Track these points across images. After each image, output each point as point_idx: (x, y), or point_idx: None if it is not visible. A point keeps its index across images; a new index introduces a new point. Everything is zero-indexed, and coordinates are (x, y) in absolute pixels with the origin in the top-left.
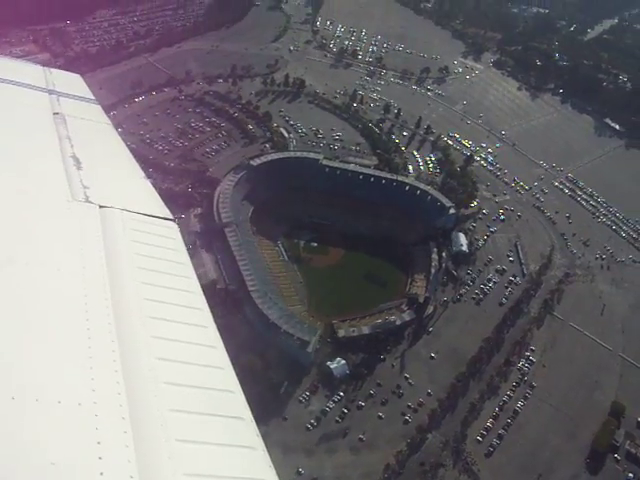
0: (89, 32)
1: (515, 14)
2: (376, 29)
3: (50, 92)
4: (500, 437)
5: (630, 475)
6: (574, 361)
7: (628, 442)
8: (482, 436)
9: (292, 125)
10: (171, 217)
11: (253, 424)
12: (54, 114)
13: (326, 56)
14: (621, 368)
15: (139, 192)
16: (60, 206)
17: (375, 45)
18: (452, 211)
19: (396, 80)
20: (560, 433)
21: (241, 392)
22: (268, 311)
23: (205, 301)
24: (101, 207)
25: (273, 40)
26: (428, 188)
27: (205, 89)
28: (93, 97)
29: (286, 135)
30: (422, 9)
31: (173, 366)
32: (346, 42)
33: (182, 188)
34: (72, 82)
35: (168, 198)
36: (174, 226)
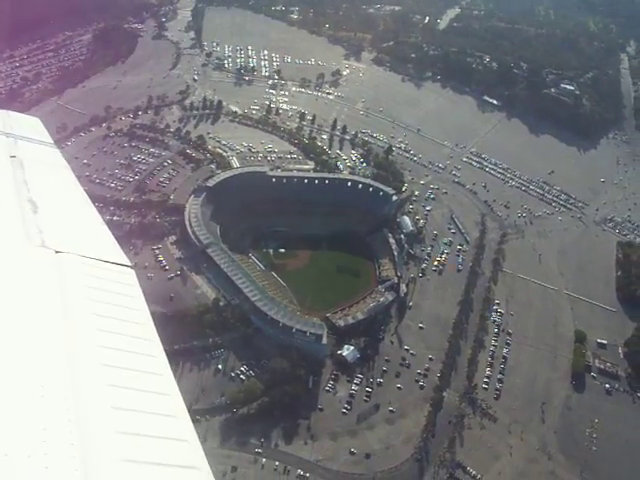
0: None
1: (373, 14)
2: (260, 44)
3: (7, 135)
4: (500, 381)
5: (607, 386)
6: (532, 305)
7: (597, 361)
8: (486, 384)
9: (225, 144)
10: (128, 263)
11: (209, 475)
12: (10, 157)
13: (228, 76)
14: (570, 303)
15: (96, 237)
16: (14, 251)
17: (265, 59)
18: (394, 198)
19: (298, 89)
20: (544, 366)
21: (196, 439)
22: (276, 315)
23: (162, 348)
24: (57, 252)
25: (171, 68)
26: (368, 181)
27: (130, 123)
28: (51, 140)
29: (224, 154)
30: (293, 20)
31: (127, 415)
32: (238, 60)
33: (150, 219)
34: (30, 125)
35: (139, 231)
36: (131, 272)
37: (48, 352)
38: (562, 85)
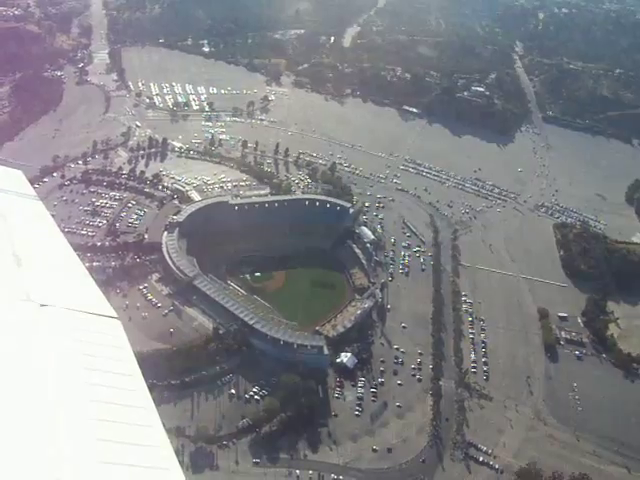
0: None
1: (280, 39)
2: (183, 79)
3: None
4: (486, 363)
5: (576, 353)
6: (495, 292)
7: (563, 332)
8: (474, 368)
9: (180, 180)
10: (114, 314)
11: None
12: None
13: (162, 114)
14: (527, 284)
15: (81, 289)
16: None
17: (193, 93)
18: (351, 211)
19: (232, 119)
20: (519, 344)
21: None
22: (276, 334)
23: (151, 399)
24: (42, 305)
25: (105, 111)
26: (324, 197)
27: (81, 169)
28: (34, 193)
29: (183, 189)
30: (208, 53)
31: (117, 470)
32: (167, 97)
33: (129, 260)
34: (13, 178)
35: (122, 273)
36: (117, 323)
37: (34, 408)
38: (473, 88)
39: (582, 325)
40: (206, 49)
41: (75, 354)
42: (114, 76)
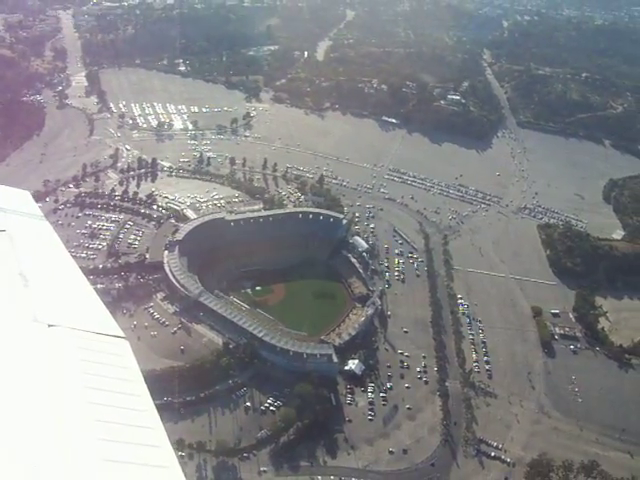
0: None
1: (255, 56)
2: (164, 99)
3: None
4: (487, 362)
5: (572, 347)
6: (489, 293)
7: (557, 328)
8: (477, 367)
9: (174, 199)
10: (121, 334)
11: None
12: (0, 231)
13: (147, 134)
14: (517, 284)
15: (88, 309)
16: (6, 326)
17: (175, 113)
18: (345, 221)
19: (217, 136)
20: (517, 342)
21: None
22: (285, 346)
23: (159, 420)
24: (49, 326)
25: (89, 134)
26: (317, 210)
27: (74, 193)
28: (41, 213)
29: (178, 208)
30: (185, 72)
31: None
32: (150, 117)
33: (133, 281)
34: (19, 199)
35: (127, 294)
36: (125, 343)
37: (42, 428)
38: (449, 96)
39: (574, 320)
40: (182, 68)
41: (83, 375)
42: (94, 98)
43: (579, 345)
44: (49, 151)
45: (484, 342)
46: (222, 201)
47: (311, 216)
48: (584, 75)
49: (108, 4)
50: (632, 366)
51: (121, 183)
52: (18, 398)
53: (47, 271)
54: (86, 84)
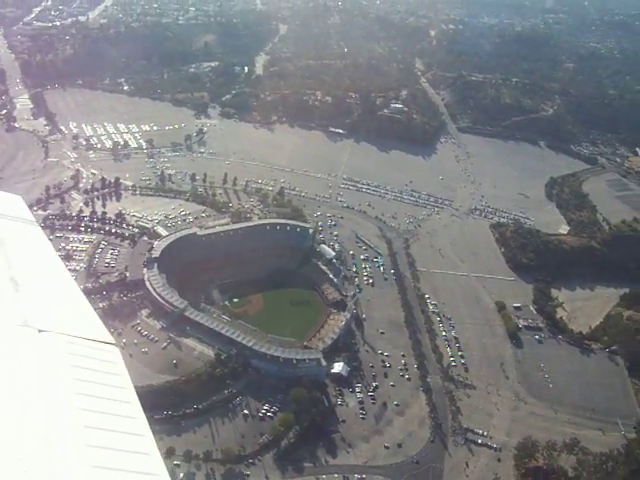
0: None
1: (197, 73)
2: (113, 118)
3: None
4: (462, 357)
5: (537, 337)
6: (454, 292)
7: (521, 320)
8: (454, 362)
9: (142, 217)
10: (112, 341)
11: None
12: None
13: (104, 154)
14: (479, 282)
15: (79, 315)
16: None
17: (126, 132)
18: (311, 230)
19: (173, 154)
20: (487, 335)
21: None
22: (275, 353)
23: (148, 427)
24: (40, 331)
25: (45, 156)
26: (284, 221)
27: (41, 215)
28: (33, 218)
29: (149, 226)
30: (130, 91)
31: None
32: (103, 137)
33: (116, 300)
34: (11, 203)
35: (111, 313)
36: (115, 350)
37: (31, 434)
38: (392, 105)
39: (535, 312)
40: (126, 87)
41: (73, 380)
42: (43, 120)
43: (543, 335)
44: (6, 174)
45: (456, 338)
46: (190, 217)
47: (279, 227)
48: (514, 80)
49: (39, 24)
50: (593, 351)
51: (86, 204)
52: (7, 403)
53: (38, 276)
54: (31, 106)
